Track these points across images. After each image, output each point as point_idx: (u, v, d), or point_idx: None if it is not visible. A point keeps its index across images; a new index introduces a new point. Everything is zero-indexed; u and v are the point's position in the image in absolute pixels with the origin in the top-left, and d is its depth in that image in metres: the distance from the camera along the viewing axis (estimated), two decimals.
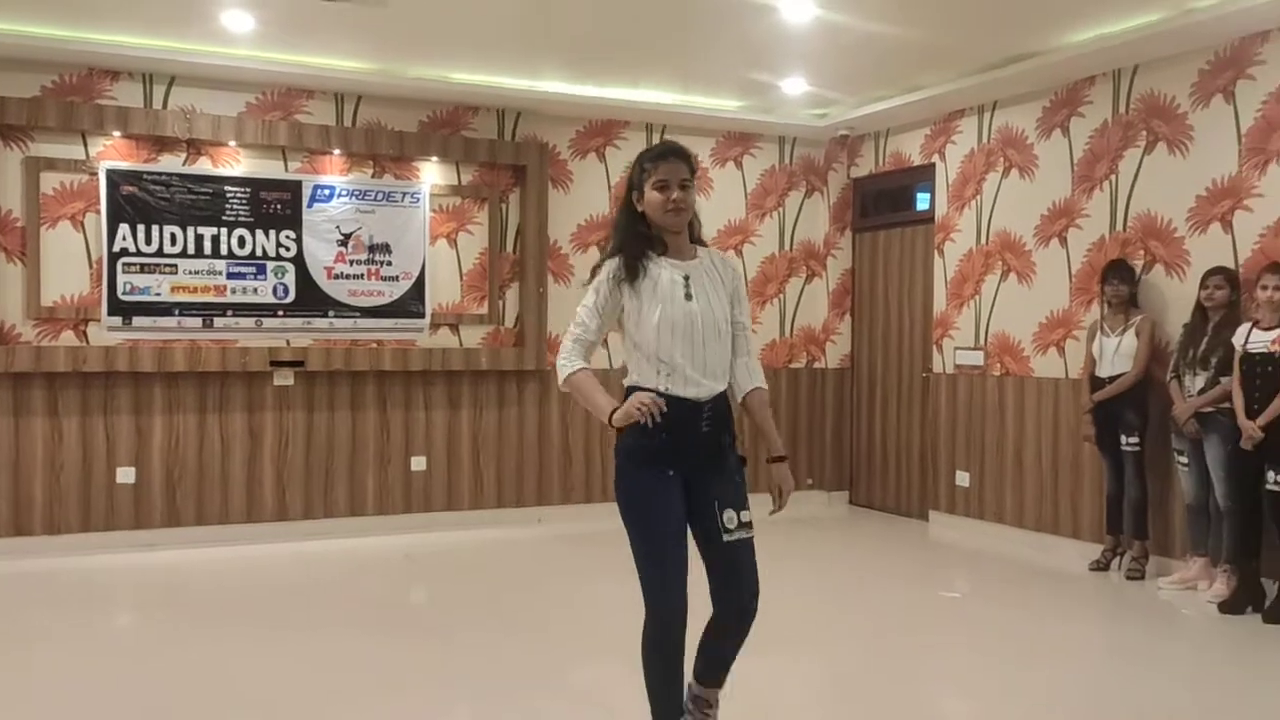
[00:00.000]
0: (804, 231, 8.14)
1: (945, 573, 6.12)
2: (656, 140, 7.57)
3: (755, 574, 3.00)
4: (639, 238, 2.98)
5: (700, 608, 2.98)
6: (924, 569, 6.20)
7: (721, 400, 2.99)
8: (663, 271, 2.94)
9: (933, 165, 7.41)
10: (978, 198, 7.04)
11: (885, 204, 7.98)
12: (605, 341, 3.21)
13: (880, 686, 4.10)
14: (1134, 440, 5.69)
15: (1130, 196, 6.03)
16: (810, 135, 8.00)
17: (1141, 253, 5.94)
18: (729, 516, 2.95)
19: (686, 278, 2.95)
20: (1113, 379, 5.73)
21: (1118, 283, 5.75)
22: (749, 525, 2.99)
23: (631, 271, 2.93)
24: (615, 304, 2.95)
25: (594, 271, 3.02)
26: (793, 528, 7.26)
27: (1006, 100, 6.78)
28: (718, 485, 2.97)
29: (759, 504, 3.04)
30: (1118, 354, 5.73)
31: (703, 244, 3.10)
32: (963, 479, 7.11)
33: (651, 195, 2.93)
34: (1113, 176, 6.12)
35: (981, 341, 7.01)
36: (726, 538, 2.94)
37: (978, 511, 6.99)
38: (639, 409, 2.80)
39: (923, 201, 7.62)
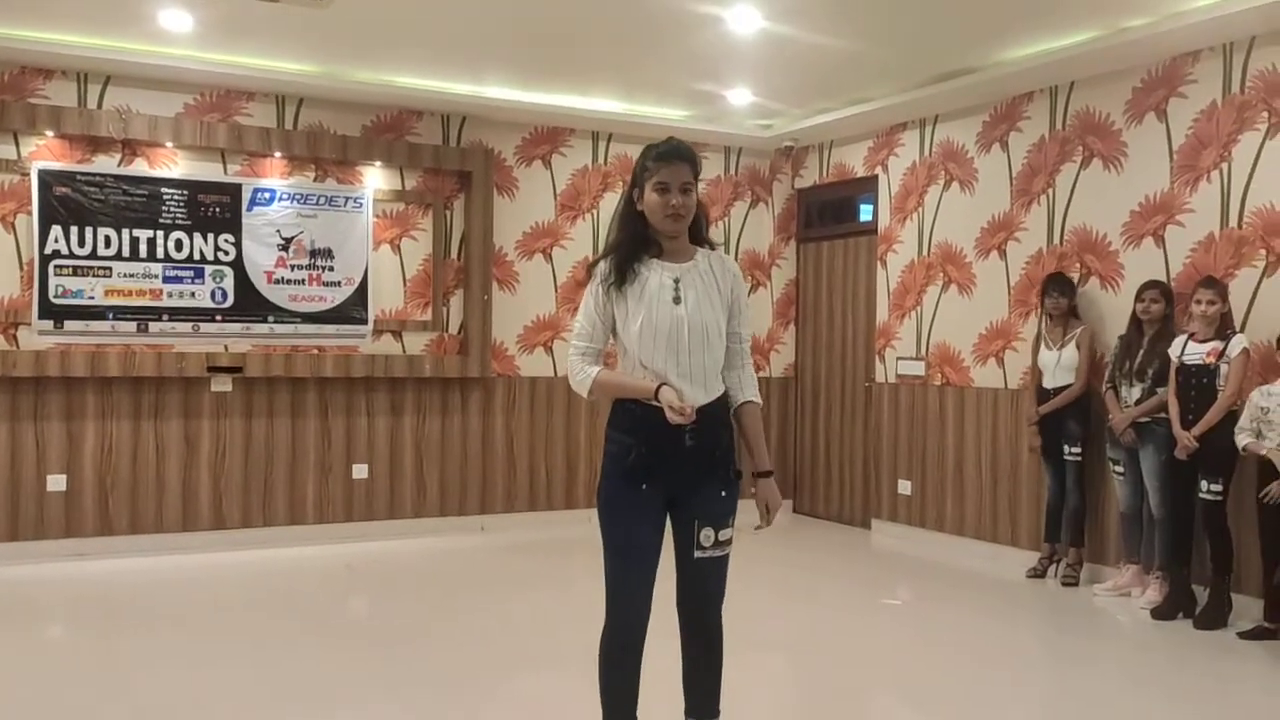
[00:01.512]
0: (749, 241, 8.19)
1: (887, 580, 6.18)
2: (603, 149, 7.59)
3: (720, 591, 2.96)
4: (635, 239, 2.88)
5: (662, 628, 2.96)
6: (866, 576, 6.25)
7: (711, 411, 2.87)
8: (652, 275, 2.85)
9: (875, 177, 7.50)
10: (919, 210, 7.13)
11: (829, 215, 8.06)
12: None
13: (819, 691, 4.13)
14: (1076, 450, 5.80)
15: (1067, 211, 6.15)
16: (755, 146, 8.06)
17: (1078, 266, 6.06)
18: (705, 534, 2.88)
19: (677, 281, 2.85)
20: (1058, 390, 5.82)
21: (1057, 295, 5.86)
22: (726, 544, 2.92)
23: (620, 276, 2.84)
24: (609, 308, 2.88)
25: (589, 271, 2.93)
26: (736, 536, 7.29)
27: (948, 114, 6.88)
28: (700, 500, 2.88)
29: (744, 513, 2.95)
30: (1059, 366, 5.83)
31: (708, 245, 2.98)
32: (904, 488, 7.19)
33: (651, 197, 2.82)
34: (1050, 191, 6.25)
35: (923, 352, 7.10)
36: (698, 554, 2.89)
37: (919, 520, 7.08)
38: (672, 410, 2.71)
39: (866, 213, 7.70)
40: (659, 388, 2.77)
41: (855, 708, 4.00)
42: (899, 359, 7.28)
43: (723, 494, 2.90)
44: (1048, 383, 5.89)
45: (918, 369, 7.13)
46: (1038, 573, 5.97)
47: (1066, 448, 5.83)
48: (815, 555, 6.89)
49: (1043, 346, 5.96)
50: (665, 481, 2.85)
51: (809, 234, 8.20)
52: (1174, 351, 5.17)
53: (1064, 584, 5.82)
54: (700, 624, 2.97)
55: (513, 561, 6.45)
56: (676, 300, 2.84)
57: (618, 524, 2.87)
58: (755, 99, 7.06)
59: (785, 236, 8.26)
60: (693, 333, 2.84)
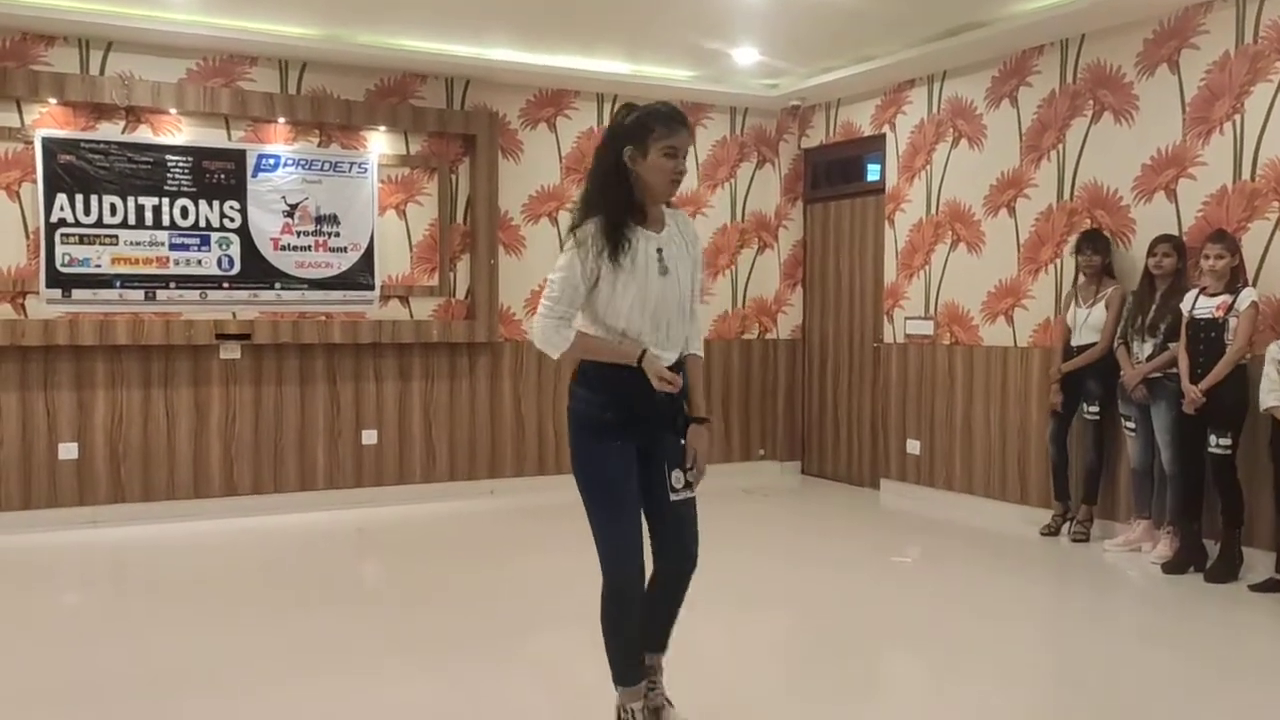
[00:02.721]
0: (755, 202, 8.15)
1: (896, 539, 6.19)
2: (608, 111, 7.53)
3: (697, 528, 3.04)
4: (625, 204, 2.83)
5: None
6: (875, 536, 6.26)
7: (678, 368, 2.94)
8: (639, 244, 2.83)
9: (883, 136, 7.43)
10: (928, 168, 7.08)
11: (836, 175, 8.01)
12: None
13: (831, 649, 4.15)
14: (1094, 409, 5.77)
15: (1077, 166, 6.10)
16: (762, 106, 7.99)
17: (1088, 222, 6.02)
18: (676, 476, 2.96)
19: (660, 250, 2.87)
20: (1083, 349, 5.77)
21: (1090, 252, 5.76)
22: (693, 485, 3.00)
23: (614, 245, 2.79)
24: (596, 275, 2.82)
25: (572, 234, 2.85)
26: (746, 498, 7.33)
27: (956, 70, 6.81)
28: (665, 447, 2.95)
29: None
30: (1087, 324, 5.75)
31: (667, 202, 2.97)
32: (913, 447, 7.19)
33: (659, 161, 2.80)
34: (1060, 146, 6.19)
35: (931, 311, 7.07)
36: (674, 496, 2.96)
37: (928, 479, 7.08)
38: (662, 380, 2.82)
39: (873, 172, 7.65)
40: (643, 354, 2.83)
41: (864, 664, 4.02)
42: (907, 319, 7.25)
43: (681, 441, 2.98)
44: (1075, 340, 5.83)
45: (926, 329, 7.10)
46: (1051, 530, 5.97)
47: (1085, 406, 5.81)
48: (824, 516, 6.91)
49: (1074, 304, 5.89)
50: (636, 435, 2.89)
51: (816, 194, 8.15)
52: (1185, 306, 5.14)
53: (1074, 540, 5.82)
54: (687, 561, 3.03)
55: (522, 524, 6.47)
56: (663, 272, 2.87)
57: (603, 482, 2.89)
58: (761, 58, 6.99)
59: (792, 197, 8.21)
60: (673, 303, 2.89)
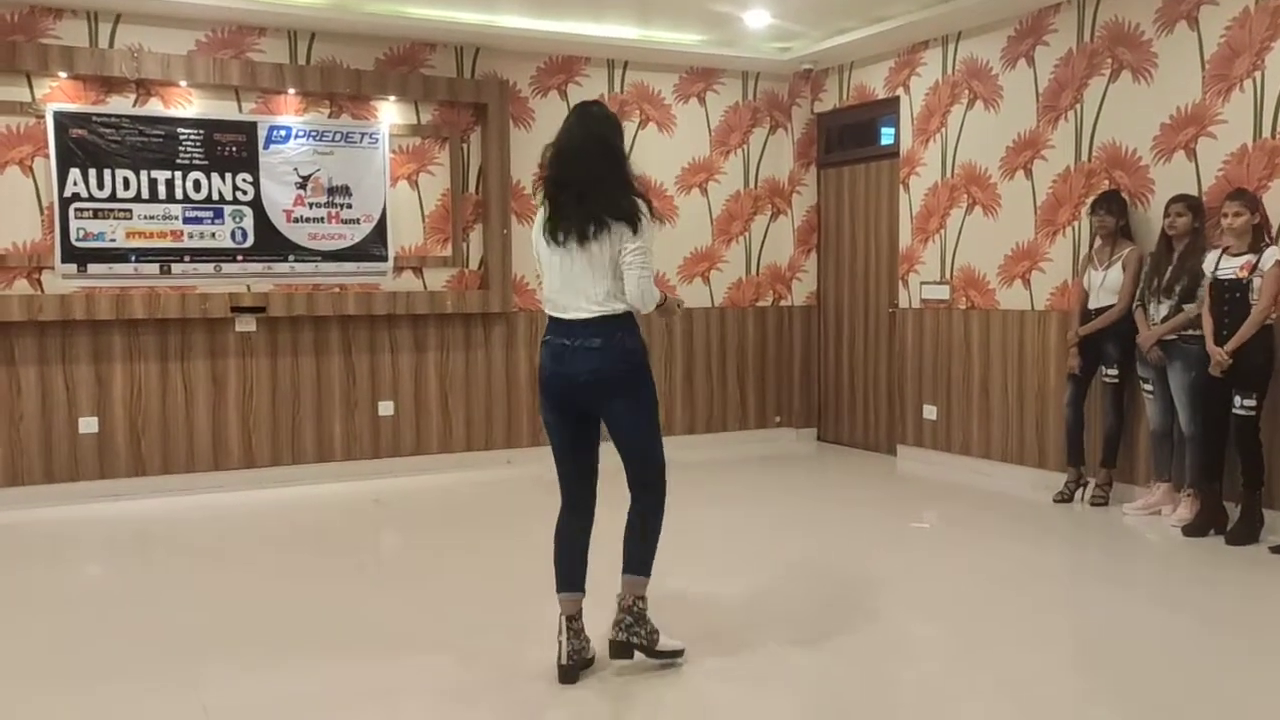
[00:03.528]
0: (768, 168, 8.09)
1: (914, 504, 6.19)
2: (619, 77, 7.48)
3: None
4: None
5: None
6: (892, 501, 6.26)
7: None
8: None
9: (897, 99, 7.36)
10: (942, 131, 7.01)
11: (850, 139, 7.94)
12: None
13: (848, 615, 4.15)
14: (1113, 372, 5.73)
15: (1095, 126, 6.03)
16: (773, 70, 7.92)
17: (1106, 183, 5.95)
18: None
19: None
20: (1100, 311, 5.72)
21: (1104, 213, 5.70)
22: None
23: None
24: None
25: (648, 211, 3.39)
26: (762, 464, 7.33)
27: (971, 30, 6.73)
28: None
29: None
30: (1104, 287, 5.69)
31: None
32: (930, 413, 7.17)
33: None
34: (1077, 106, 6.12)
35: (947, 276, 7.03)
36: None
37: (945, 444, 7.06)
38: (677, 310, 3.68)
39: (887, 136, 7.58)
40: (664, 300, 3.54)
41: (882, 630, 4.02)
42: (923, 284, 7.21)
43: None
44: (1092, 303, 5.77)
45: (942, 293, 7.06)
46: (1065, 497, 5.94)
47: (1103, 369, 5.77)
48: (841, 482, 6.90)
49: (1090, 266, 5.84)
50: None
51: (829, 159, 8.09)
52: (1208, 266, 5.09)
53: (1093, 504, 5.80)
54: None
55: (540, 493, 6.44)
56: None
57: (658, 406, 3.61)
58: (773, 20, 6.92)
59: (805, 162, 8.15)
60: None
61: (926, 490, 6.58)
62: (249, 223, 6.44)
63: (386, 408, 6.90)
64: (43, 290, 6.04)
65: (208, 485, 6.38)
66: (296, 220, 6.56)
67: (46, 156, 5.99)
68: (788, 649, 3.78)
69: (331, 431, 6.78)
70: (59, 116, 5.97)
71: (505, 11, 6.65)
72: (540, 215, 3.47)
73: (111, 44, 6.10)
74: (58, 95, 6.03)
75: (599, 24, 6.97)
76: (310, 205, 6.59)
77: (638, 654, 3.47)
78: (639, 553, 3.49)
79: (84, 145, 6.02)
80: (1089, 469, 5.93)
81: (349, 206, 6.69)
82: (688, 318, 7.80)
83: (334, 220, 6.67)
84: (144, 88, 6.22)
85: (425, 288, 7.00)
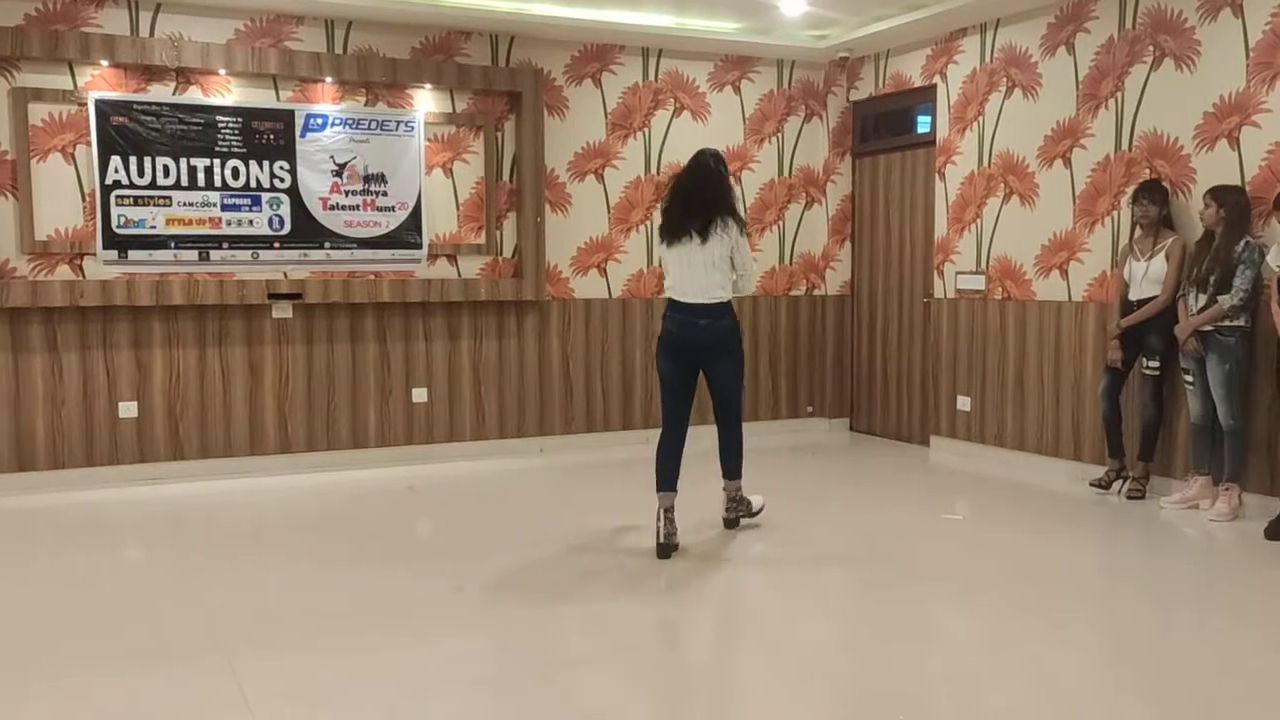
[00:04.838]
0: (803, 157, 8.05)
1: (947, 496, 6.15)
2: (654, 65, 7.47)
3: None
4: None
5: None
6: (925, 493, 6.23)
7: None
8: None
9: (934, 86, 7.30)
10: (980, 119, 6.94)
11: (885, 127, 7.88)
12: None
13: (880, 605, 4.14)
14: (1154, 364, 5.64)
15: (1136, 114, 5.94)
16: (809, 58, 7.87)
17: (1147, 172, 5.88)
18: None
19: None
20: (1143, 303, 5.64)
21: (1146, 203, 5.61)
22: None
23: None
24: None
25: (744, 223, 4.83)
26: (794, 455, 7.31)
27: (1010, 18, 6.65)
28: None
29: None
30: (1146, 278, 5.60)
31: None
32: (964, 404, 7.12)
33: None
34: (1118, 94, 6.03)
35: (983, 266, 6.97)
36: None
37: (979, 436, 7.02)
38: None
39: (923, 124, 7.52)
40: None
41: (915, 623, 4.01)
42: (958, 273, 7.15)
43: None
44: (1133, 295, 5.69)
45: (978, 283, 7.00)
46: (1102, 483, 5.88)
47: (1144, 361, 5.69)
48: (874, 473, 6.87)
49: (1131, 257, 5.75)
50: None
51: (865, 148, 8.03)
52: (1273, 259, 4.99)
53: (1129, 497, 5.74)
54: None
55: (572, 482, 6.52)
56: None
57: None
58: (809, 8, 6.87)
59: (840, 151, 8.10)
60: None
61: (959, 482, 6.54)
62: (286, 210, 6.50)
63: (420, 395, 6.95)
64: (84, 276, 6.13)
65: (244, 470, 6.46)
66: (333, 208, 6.61)
67: (88, 144, 6.07)
68: (820, 641, 3.78)
69: (366, 418, 6.83)
70: (100, 104, 6.05)
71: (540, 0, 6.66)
72: (662, 225, 4.85)
73: (152, 33, 6.17)
74: (99, 83, 6.11)
75: (634, 12, 6.96)
76: (346, 193, 6.64)
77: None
78: (734, 464, 4.99)
79: (125, 133, 6.09)
80: (1129, 462, 5.86)
81: (384, 194, 6.74)
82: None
83: (369, 208, 6.71)
84: (184, 76, 6.28)
85: (459, 275, 7.04)
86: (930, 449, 7.39)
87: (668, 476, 4.74)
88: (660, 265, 4.79)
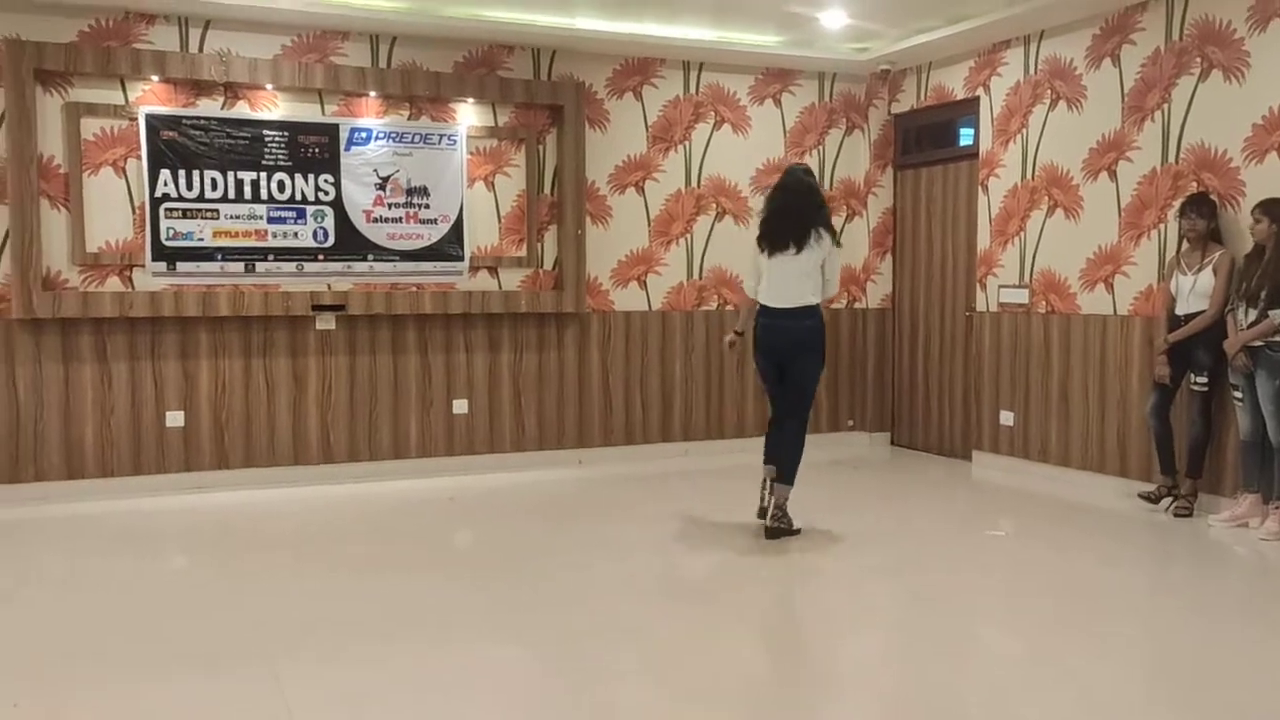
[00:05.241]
0: (844, 169, 8.03)
1: (990, 512, 6.09)
2: (694, 79, 7.49)
3: None
4: None
5: None
6: (968, 508, 6.17)
7: None
8: None
9: (976, 99, 7.25)
10: (1023, 131, 6.89)
11: (927, 140, 7.84)
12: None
13: (921, 619, 4.10)
14: (1203, 380, 5.53)
15: (1183, 127, 5.87)
16: (850, 70, 7.86)
17: (1194, 185, 5.79)
18: None
19: None
20: (1190, 317, 5.54)
21: (1194, 217, 5.53)
22: None
23: None
24: None
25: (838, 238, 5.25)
26: (834, 469, 7.27)
27: (1054, 29, 6.60)
28: None
29: None
30: (1194, 292, 5.51)
31: None
32: (1007, 418, 7.05)
33: None
34: (1165, 106, 5.96)
35: (1026, 279, 6.90)
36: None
37: (1022, 451, 6.94)
38: None
39: (966, 137, 7.47)
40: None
41: (957, 638, 3.97)
42: (1001, 287, 7.08)
43: None
44: (1180, 309, 5.60)
45: (1021, 297, 6.94)
46: (1153, 497, 5.76)
47: (1192, 377, 5.59)
48: (915, 487, 6.81)
49: (1178, 271, 5.65)
50: None
51: (906, 160, 8.00)
52: None
53: (1177, 515, 5.64)
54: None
55: (611, 494, 6.52)
56: None
57: None
58: (850, 21, 6.86)
59: (882, 163, 8.06)
60: None
61: (1003, 497, 6.47)
62: (330, 222, 6.58)
63: (461, 406, 7.00)
64: (133, 288, 6.24)
65: (287, 479, 6.54)
66: (376, 220, 6.68)
67: (139, 158, 6.19)
68: (863, 655, 3.75)
69: (407, 429, 6.89)
70: (151, 119, 6.17)
71: (581, 14, 6.70)
72: (761, 236, 5.27)
73: (201, 49, 6.29)
74: (150, 98, 6.23)
75: (674, 25, 6.98)
76: (389, 205, 6.71)
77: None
78: (789, 466, 5.19)
79: (174, 147, 6.20)
80: (1180, 480, 5.74)
81: (427, 207, 6.80)
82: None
83: (412, 220, 6.78)
84: (232, 91, 6.39)
85: (500, 288, 7.08)
86: (973, 464, 7.32)
87: (773, 452, 5.31)
88: (757, 271, 5.30)
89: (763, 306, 5.25)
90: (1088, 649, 3.74)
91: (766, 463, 5.35)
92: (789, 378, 5.23)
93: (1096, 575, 4.71)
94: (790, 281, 5.12)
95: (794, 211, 5.18)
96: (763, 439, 5.45)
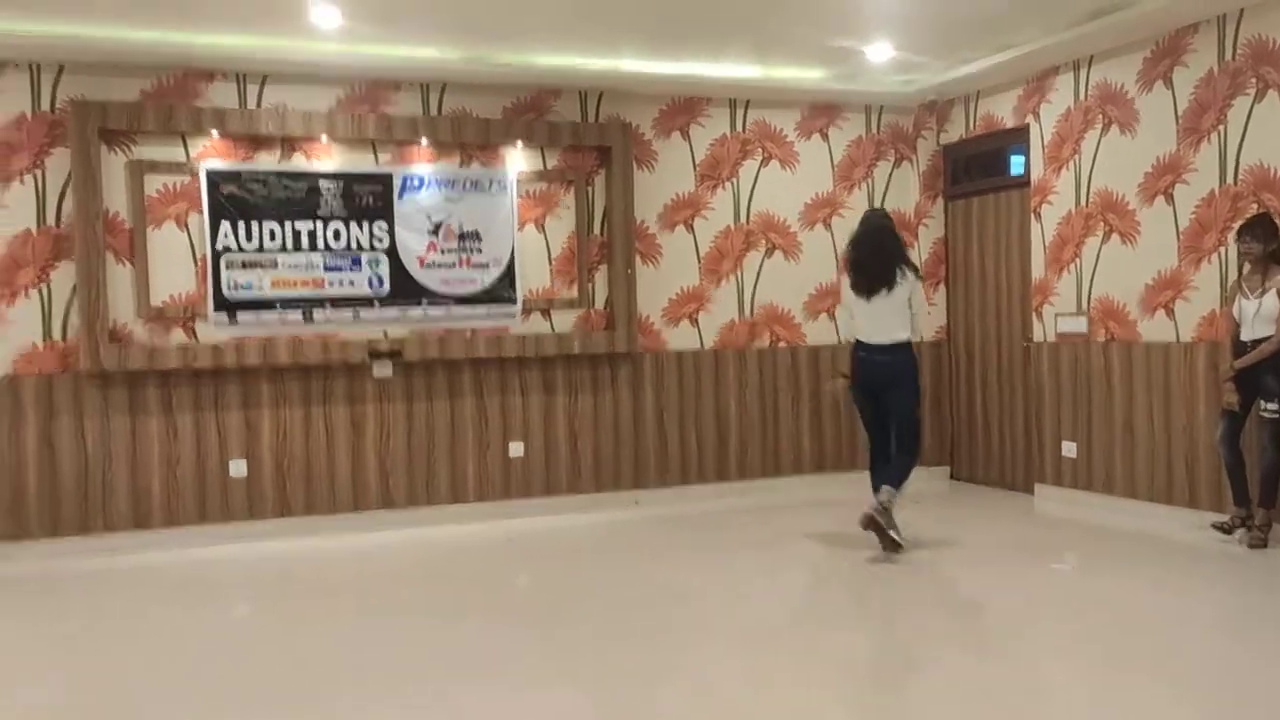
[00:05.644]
0: (894, 201, 7.98)
1: (1054, 545, 5.97)
2: (740, 116, 7.52)
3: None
4: None
5: None
6: (1031, 542, 6.05)
7: None
8: None
9: (1026, 127, 7.20)
10: (1076, 157, 6.82)
11: (977, 169, 7.79)
12: None
13: (989, 657, 4.02)
14: (1273, 407, 5.36)
15: (1240, 147, 5.77)
16: (897, 102, 7.85)
17: (1254, 206, 5.69)
18: None
19: None
20: (1256, 343, 5.41)
21: (1250, 240, 5.41)
22: None
23: None
24: None
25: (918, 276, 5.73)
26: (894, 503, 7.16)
27: (1104, 54, 6.55)
28: None
29: None
30: (1258, 317, 5.38)
31: None
32: (1069, 449, 6.92)
33: None
34: (1221, 127, 5.87)
35: (1084, 307, 6.80)
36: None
37: (1086, 483, 6.80)
38: None
39: (1017, 165, 7.41)
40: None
41: (1021, 675, 3.88)
42: (1058, 316, 6.99)
43: None
44: (1245, 335, 5.47)
45: (1079, 325, 6.83)
46: (1226, 528, 5.61)
47: (1262, 403, 5.45)
48: (976, 521, 6.70)
49: (1240, 295, 5.54)
50: None
51: (956, 190, 7.95)
52: None
53: (1251, 546, 5.48)
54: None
55: (668, 534, 6.49)
56: None
57: None
58: (895, 53, 6.86)
59: (932, 194, 8.02)
60: None
61: (1067, 530, 6.34)
62: (385, 269, 6.68)
63: (517, 449, 7.02)
64: (197, 339, 6.36)
65: (348, 526, 6.59)
66: (429, 266, 6.77)
67: (200, 212, 6.33)
68: (926, 692, 3.68)
69: (465, 472, 6.92)
70: (211, 174, 6.32)
71: (627, 55, 6.77)
72: (853, 281, 5.73)
73: (259, 104, 6.44)
74: (210, 154, 6.38)
75: (719, 64, 7.03)
76: (442, 251, 6.80)
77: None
78: (897, 475, 5.58)
79: (234, 200, 6.35)
80: (1254, 510, 5.59)
81: (479, 251, 6.88)
82: (814, 357, 7.74)
83: (465, 265, 6.86)
84: (288, 144, 6.53)
85: (553, 329, 7.12)
86: (1035, 496, 7.19)
87: (875, 481, 5.68)
88: (850, 313, 5.83)
89: (859, 343, 5.69)
90: (1156, 688, 3.64)
91: (876, 491, 5.61)
92: (892, 413, 5.66)
93: (1165, 610, 4.59)
94: (884, 319, 5.57)
95: (879, 253, 5.64)
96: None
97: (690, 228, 7.46)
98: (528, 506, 7.00)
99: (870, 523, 5.40)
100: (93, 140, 6.05)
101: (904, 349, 5.61)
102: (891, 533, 5.40)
